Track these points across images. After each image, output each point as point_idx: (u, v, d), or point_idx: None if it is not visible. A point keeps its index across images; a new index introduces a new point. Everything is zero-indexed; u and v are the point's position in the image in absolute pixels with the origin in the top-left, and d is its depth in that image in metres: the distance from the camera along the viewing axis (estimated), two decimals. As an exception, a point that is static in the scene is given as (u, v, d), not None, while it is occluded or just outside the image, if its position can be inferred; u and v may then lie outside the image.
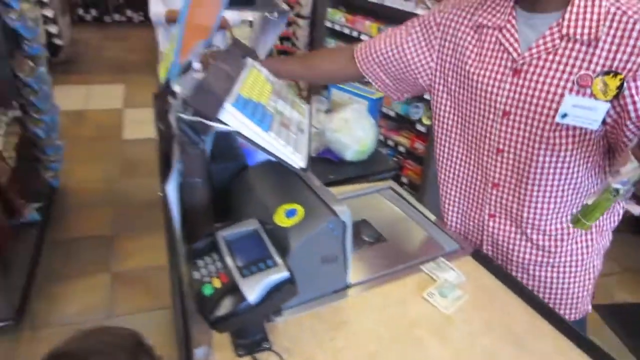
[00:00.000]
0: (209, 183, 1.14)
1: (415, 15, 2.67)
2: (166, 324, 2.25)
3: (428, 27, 1.27)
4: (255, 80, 1.13)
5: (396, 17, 2.97)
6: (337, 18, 3.48)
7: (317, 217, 1.01)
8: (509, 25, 1.12)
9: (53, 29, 5.46)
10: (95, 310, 2.44)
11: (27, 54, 2.80)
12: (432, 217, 1.43)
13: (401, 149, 3.23)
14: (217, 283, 0.85)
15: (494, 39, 1.15)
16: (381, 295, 1.12)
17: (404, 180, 3.25)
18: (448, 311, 1.08)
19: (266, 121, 0.97)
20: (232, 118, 0.90)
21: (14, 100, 2.72)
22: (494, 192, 1.25)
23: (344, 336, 1.00)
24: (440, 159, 1.36)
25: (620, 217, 1.27)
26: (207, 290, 0.85)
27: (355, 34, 3.32)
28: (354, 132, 1.75)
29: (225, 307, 0.82)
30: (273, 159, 1.02)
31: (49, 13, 5.36)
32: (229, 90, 0.94)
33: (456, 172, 1.33)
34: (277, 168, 1.22)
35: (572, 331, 1.02)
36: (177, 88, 0.98)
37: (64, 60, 5.73)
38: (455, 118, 1.27)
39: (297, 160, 0.98)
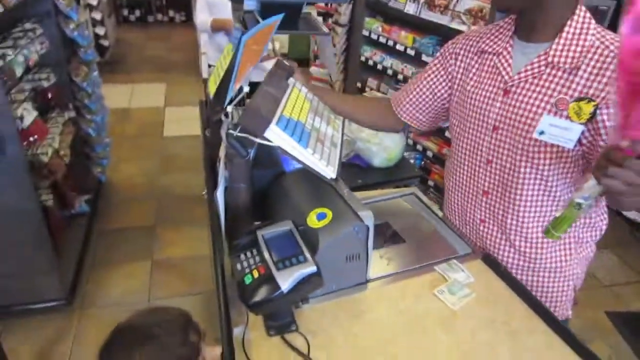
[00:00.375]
0: (251, 187, 1.31)
1: (449, 28, 2.81)
2: (200, 308, 2.45)
3: (445, 58, 1.44)
4: (296, 100, 1.30)
5: (431, 29, 3.10)
6: (374, 27, 3.62)
7: (344, 221, 1.17)
8: (505, 52, 1.27)
9: (100, 31, 5.78)
10: (136, 294, 2.66)
11: (82, 60, 3.05)
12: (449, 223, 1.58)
13: (429, 153, 3.35)
14: (256, 274, 1.02)
15: (491, 63, 1.30)
16: (397, 290, 1.27)
17: (431, 183, 3.37)
18: (455, 307, 1.22)
19: (304, 138, 1.14)
20: (275, 136, 1.07)
21: (70, 102, 2.98)
22: (484, 199, 1.39)
23: (362, 324, 1.16)
24: (447, 168, 1.54)
25: (603, 231, 1.39)
26: (248, 280, 1.02)
27: (390, 43, 3.45)
28: (383, 142, 1.90)
29: (261, 293, 0.99)
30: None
31: (97, 16, 5.68)
32: (273, 112, 1.10)
33: (456, 180, 1.48)
34: (311, 176, 1.38)
35: (564, 330, 1.15)
36: (229, 109, 1.16)
37: (109, 60, 6.05)
38: (458, 130, 1.42)
39: (328, 172, 1.14)
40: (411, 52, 3.24)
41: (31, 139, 2.36)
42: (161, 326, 0.92)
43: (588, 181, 0.96)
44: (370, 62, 3.75)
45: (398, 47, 3.38)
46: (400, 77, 3.42)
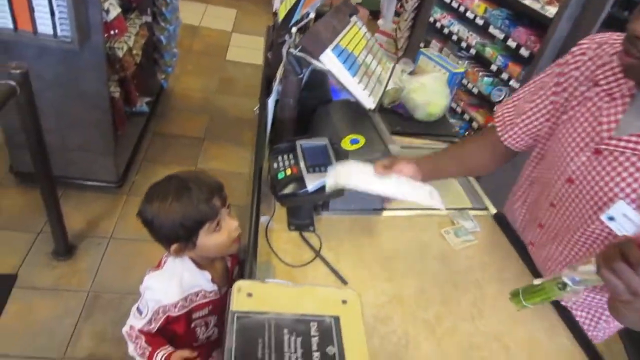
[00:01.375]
0: (297, 105, 1.46)
1: (522, 4, 2.77)
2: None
3: (551, 88, 1.19)
4: (354, 35, 1.41)
5: (504, 2, 3.07)
6: (446, -10, 3.59)
7: (373, 149, 1.31)
8: (620, 101, 1.02)
9: (186, -55, 5.88)
10: (178, 196, 2.91)
11: (167, -32, 3.20)
12: (473, 180, 1.68)
13: (475, 124, 3.39)
14: (288, 172, 1.19)
15: (598, 104, 1.06)
16: (407, 221, 1.42)
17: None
18: (456, 247, 1.36)
19: (354, 68, 1.27)
20: (329, 60, 1.20)
21: (149, 7, 3.16)
22: (538, 230, 1.28)
23: (370, 239, 1.32)
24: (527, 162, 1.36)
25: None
26: (280, 175, 1.19)
27: (462, 9, 3.44)
28: (429, 96, 1.99)
29: (290, 188, 1.16)
30: (352, 99, 1.31)
31: None
32: (331, 40, 1.23)
33: (524, 187, 1.37)
34: (353, 106, 1.52)
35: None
36: (293, 30, 1.29)
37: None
38: (538, 150, 1.28)
39: (369, 102, 1.28)
40: (480, 22, 3.23)
41: (112, 32, 2.55)
42: (196, 183, 1.08)
43: (587, 264, 0.81)
44: (438, 25, 3.74)
45: (468, 14, 3.36)
46: (463, 44, 3.42)
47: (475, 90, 3.34)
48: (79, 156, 2.58)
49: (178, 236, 1.09)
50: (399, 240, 1.35)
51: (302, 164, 1.20)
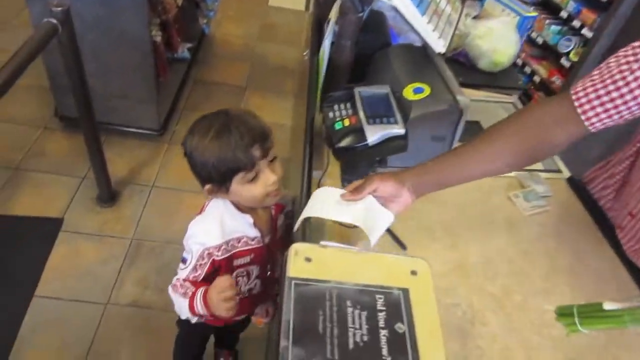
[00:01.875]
0: (354, 48, 1.32)
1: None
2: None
3: None
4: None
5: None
6: None
7: (439, 99, 1.17)
8: None
9: None
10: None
11: None
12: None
13: (536, 78, 3.14)
14: (347, 122, 1.07)
15: None
16: (472, 183, 1.28)
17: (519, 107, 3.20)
18: (526, 213, 1.23)
19: (423, 6, 1.11)
20: (397, -6, 1.05)
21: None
22: (628, 218, 1.12)
23: (431, 202, 1.19)
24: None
25: None
26: (338, 126, 1.07)
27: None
28: (495, 42, 1.80)
29: (348, 141, 1.05)
30: (415, 43, 1.17)
31: None
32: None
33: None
34: (416, 51, 1.37)
35: (632, 264, 1.13)
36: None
37: None
38: None
39: (439, 45, 1.12)
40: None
41: (153, -28, 2.43)
42: (240, 126, 0.97)
43: None
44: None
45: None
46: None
47: (539, 40, 3.07)
48: (121, 103, 2.53)
49: (211, 177, 1.00)
50: (462, 203, 1.22)
51: (361, 114, 1.07)
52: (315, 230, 1.03)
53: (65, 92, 2.22)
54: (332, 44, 1.30)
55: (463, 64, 1.91)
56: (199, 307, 0.99)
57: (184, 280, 1.06)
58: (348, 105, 1.11)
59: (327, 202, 0.89)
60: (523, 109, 0.93)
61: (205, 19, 3.54)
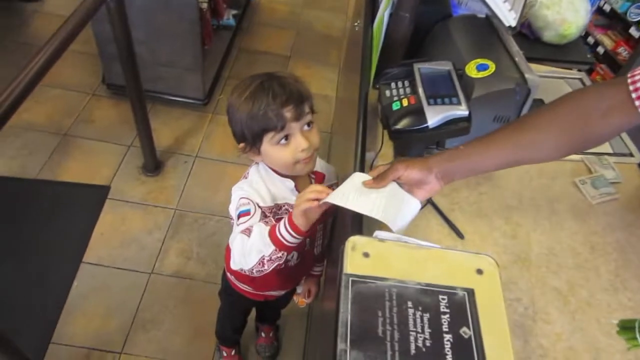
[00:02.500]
0: (414, 21, 1.23)
1: None
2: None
3: None
4: None
5: None
6: None
7: (505, 78, 1.07)
8: None
9: None
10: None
11: None
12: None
13: (600, 49, 2.92)
14: (405, 102, 1.00)
15: None
16: (535, 167, 1.20)
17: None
18: (593, 201, 1.14)
19: (493, -29, 1.01)
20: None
21: None
22: None
23: (490, 185, 1.13)
24: None
25: None
26: (396, 106, 1.00)
27: None
28: (564, 12, 1.66)
29: (407, 122, 0.98)
30: (478, 13, 1.07)
31: None
32: None
33: None
34: (479, 24, 1.27)
35: None
36: None
37: None
38: None
39: (509, 17, 1.03)
40: None
41: (199, -64, 2.37)
42: (277, 86, 0.93)
43: None
44: None
45: None
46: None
47: (606, 8, 2.84)
48: (167, 71, 2.52)
49: (244, 135, 0.97)
50: (524, 189, 1.14)
51: (421, 94, 1.00)
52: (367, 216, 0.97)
53: (113, 60, 2.22)
54: (390, 15, 1.21)
55: (525, 36, 1.78)
56: (283, 228, 0.90)
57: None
58: (406, 83, 1.04)
59: (349, 190, 0.83)
60: (570, 93, 0.82)
61: (250, -15, 3.46)
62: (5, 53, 2.80)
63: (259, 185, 1.01)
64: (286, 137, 0.94)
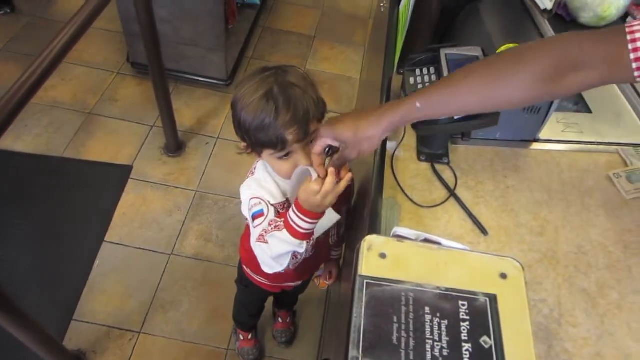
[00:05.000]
0: (441, 4, 1.17)
1: None
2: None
3: None
4: None
5: None
6: None
7: (538, 64, 1.01)
8: None
9: None
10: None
11: None
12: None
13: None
14: (430, 90, 0.95)
15: None
16: (565, 158, 1.14)
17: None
18: (628, 196, 1.07)
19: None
20: None
21: None
22: None
23: (517, 178, 1.08)
24: None
25: None
26: (420, 94, 0.95)
27: None
28: (602, -8, 1.55)
29: (431, 112, 0.93)
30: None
31: None
32: None
33: None
34: (512, 6, 1.20)
35: None
36: None
37: None
38: None
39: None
40: None
41: None
42: (280, 103, 0.86)
43: None
44: None
45: None
46: None
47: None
48: (190, 50, 2.49)
49: (244, 138, 0.93)
50: (553, 182, 1.08)
51: (447, 81, 0.94)
52: (387, 208, 0.94)
53: (137, 38, 2.19)
54: (416, -4, 1.15)
55: (561, 18, 1.68)
56: (295, 217, 0.87)
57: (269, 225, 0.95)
58: (432, 69, 0.99)
59: None
60: (554, 36, 0.75)
61: (276, -39, 3.38)
62: (33, 29, 2.82)
63: (267, 181, 0.98)
64: (287, 154, 0.91)
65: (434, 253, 0.65)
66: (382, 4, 1.61)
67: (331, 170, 0.82)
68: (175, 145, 2.27)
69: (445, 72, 0.96)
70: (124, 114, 2.44)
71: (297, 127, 0.86)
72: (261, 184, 1.00)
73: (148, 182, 2.16)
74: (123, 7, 2.28)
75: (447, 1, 1.20)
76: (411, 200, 0.98)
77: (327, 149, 0.86)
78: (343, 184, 0.83)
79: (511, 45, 1.05)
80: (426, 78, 0.98)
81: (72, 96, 2.49)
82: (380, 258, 0.63)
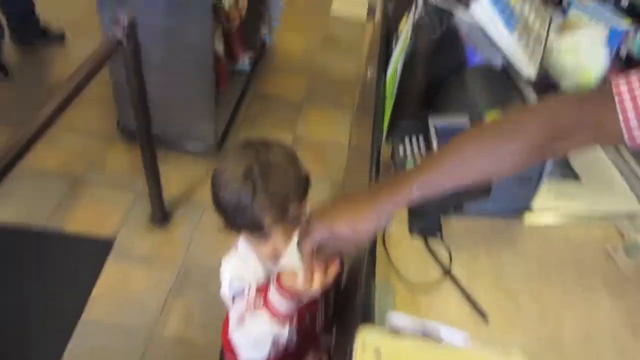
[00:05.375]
0: (428, 70, 1.16)
1: None
2: (329, 195, 2.45)
3: None
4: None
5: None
6: None
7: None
8: None
9: None
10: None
11: None
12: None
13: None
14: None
15: None
16: (560, 230, 1.09)
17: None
18: (629, 273, 1.01)
19: (512, 22, 0.94)
20: (483, 11, 0.89)
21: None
22: None
23: (512, 253, 1.02)
24: None
25: None
26: (409, 166, 0.91)
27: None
28: (581, 59, 1.57)
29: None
30: (497, 63, 0.99)
31: None
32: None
33: None
34: (495, 75, 1.19)
35: None
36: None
37: None
38: None
39: (529, 69, 0.95)
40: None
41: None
42: (258, 186, 0.83)
43: None
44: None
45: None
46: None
47: (622, 52, 2.75)
48: (180, 115, 2.49)
49: (221, 215, 0.90)
50: (549, 257, 1.03)
51: (435, 153, 0.91)
52: (380, 290, 0.88)
53: (127, 104, 2.18)
54: (404, 64, 1.15)
55: (544, 84, 1.69)
56: (275, 297, 0.82)
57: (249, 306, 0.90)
58: (420, 138, 0.96)
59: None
60: (542, 103, 0.76)
61: (267, 28, 3.47)
62: (27, 95, 2.81)
63: (248, 258, 0.94)
64: (265, 235, 0.87)
65: (434, 352, 0.58)
66: (369, 71, 1.62)
67: (319, 270, 0.77)
68: (162, 215, 2.21)
69: (434, 141, 0.93)
70: (111, 182, 2.40)
71: (275, 210, 0.83)
72: (244, 260, 0.94)
73: (131, 256, 2.08)
74: (115, 73, 2.29)
75: (434, 71, 1.20)
76: (405, 280, 0.92)
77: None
78: (332, 276, 0.78)
79: (495, 112, 1.04)
80: (415, 149, 0.95)
81: (59, 164, 2.45)
82: (374, 355, 0.56)
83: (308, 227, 0.74)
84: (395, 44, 1.35)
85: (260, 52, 3.50)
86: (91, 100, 2.79)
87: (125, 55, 1.68)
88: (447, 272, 0.93)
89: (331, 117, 3.12)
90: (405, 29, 1.17)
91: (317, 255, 0.77)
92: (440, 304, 0.89)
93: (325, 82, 3.45)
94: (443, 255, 0.98)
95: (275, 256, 0.90)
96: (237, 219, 0.86)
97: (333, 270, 0.81)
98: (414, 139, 0.97)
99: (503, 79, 1.19)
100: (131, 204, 2.29)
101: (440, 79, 1.25)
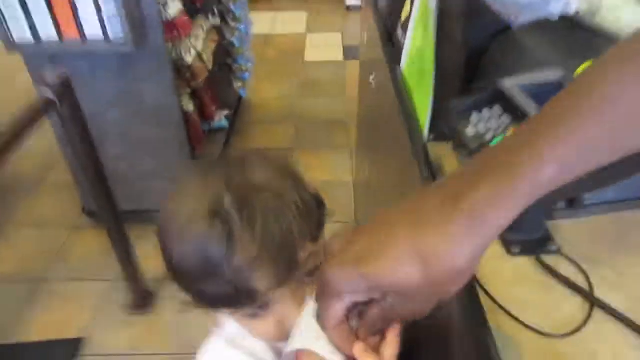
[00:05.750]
0: (465, 45, 0.85)
1: None
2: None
3: None
4: None
5: None
6: None
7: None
8: None
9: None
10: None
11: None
12: None
13: None
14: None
15: None
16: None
17: None
18: None
19: None
20: None
21: (214, 7, 2.74)
22: None
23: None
24: None
25: None
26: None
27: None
28: (622, 19, 1.30)
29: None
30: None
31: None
32: None
33: None
34: (556, 27, 0.89)
35: None
36: None
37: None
38: None
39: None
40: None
41: (174, 33, 2.12)
42: (234, 236, 0.49)
43: None
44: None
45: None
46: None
47: None
48: (152, 185, 2.15)
49: (181, 285, 0.57)
50: None
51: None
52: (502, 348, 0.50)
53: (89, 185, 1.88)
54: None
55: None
56: None
57: None
58: (500, 109, 0.62)
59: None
60: None
61: (240, 82, 3.23)
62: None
63: (246, 337, 0.60)
64: (262, 306, 0.53)
65: None
66: (371, 79, 1.32)
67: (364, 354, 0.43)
68: (142, 299, 1.81)
69: (528, 106, 0.59)
70: (79, 274, 2.02)
71: (272, 265, 0.48)
72: (236, 343, 0.60)
73: (107, 355, 1.66)
74: (68, 154, 1.97)
75: (472, 37, 0.89)
76: (528, 327, 0.54)
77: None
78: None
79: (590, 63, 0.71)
80: (493, 123, 0.61)
81: (17, 264, 2.08)
82: None
83: (329, 278, 0.39)
84: (403, 36, 1.07)
85: (237, 107, 3.24)
86: (52, 188, 2.47)
87: (63, 121, 1.38)
88: (590, 296, 0.56)
89: (326, 158, 2.84)
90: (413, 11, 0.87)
91: (358, 325, 0.43)
92: (592, 346, 0.52)
93: (313, 125, 3.20)
94: (572, 275, 0.61)
95: (283, 332, 0.54)
96: (208, 289, 0.52)
97: (391, 350, 0.45)
98: (485, 112, 0.64)
99: (570, 29, 0.89)
100: (103, 293, 1.90)
101: (480, 49, 0.94)
